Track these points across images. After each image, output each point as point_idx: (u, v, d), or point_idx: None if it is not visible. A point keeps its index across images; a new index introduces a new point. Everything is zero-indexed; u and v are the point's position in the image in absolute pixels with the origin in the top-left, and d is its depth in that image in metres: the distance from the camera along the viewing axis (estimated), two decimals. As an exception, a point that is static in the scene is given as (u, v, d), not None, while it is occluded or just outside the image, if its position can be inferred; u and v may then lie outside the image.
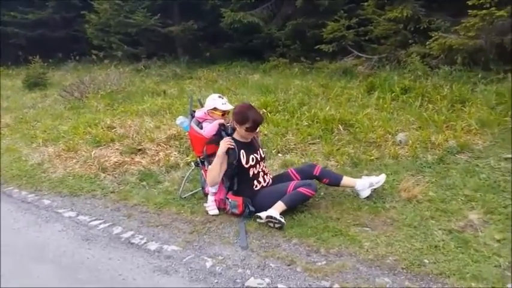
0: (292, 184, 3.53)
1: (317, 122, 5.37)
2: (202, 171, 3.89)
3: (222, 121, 3.73)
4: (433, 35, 6.70)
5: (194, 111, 3.96)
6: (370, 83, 6.61)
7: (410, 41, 7.34)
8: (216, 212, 3.70)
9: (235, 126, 3.58)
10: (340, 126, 5.23)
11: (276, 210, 3.40)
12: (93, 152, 5.23)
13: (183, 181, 4.17)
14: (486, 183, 3.77)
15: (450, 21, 6.83)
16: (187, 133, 4.09)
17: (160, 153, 5.06)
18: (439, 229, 3.17)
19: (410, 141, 4.74)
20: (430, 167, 4.24)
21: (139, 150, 5.20)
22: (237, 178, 3.63)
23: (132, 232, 3.54)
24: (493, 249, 2.88)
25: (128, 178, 4.67)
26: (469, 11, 5.88)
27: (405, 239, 3.10)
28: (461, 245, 2.96)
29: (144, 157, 5.06)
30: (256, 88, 7.54)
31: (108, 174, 4.80)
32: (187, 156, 4.97)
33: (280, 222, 3.32)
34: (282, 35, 9.44)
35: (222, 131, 3.67)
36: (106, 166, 4.91)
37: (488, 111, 5.12)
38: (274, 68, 9.35)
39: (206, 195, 3.85)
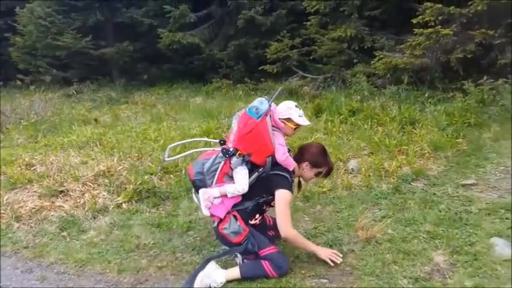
0: (265, 250, 2.93)
1: (264, 151, 4.92)
2: (222, 165, 3.00)
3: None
4: (377, 54, 6.57)
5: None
6: (317, 105, 6.31)
7: (355, 60, 7.24)
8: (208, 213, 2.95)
9: (304, 166, 3.07)
10: (288, 154, 4.83)
11: (226, 275, 2.88)
12: (6, 197, 4.45)
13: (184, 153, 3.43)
14: (447, 215, 3.48)
15: (394, 40, 6.77)
16: (241, 115, 2.99)
17: (86, 195, 4.38)
18: (404, 277, 2.79)
19: (363, 169, 4.43)
20: (385, 197, 3.93)
21: (62, 192, 4.47)
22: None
23: (42, 304, 2.89)
24: (467, 302, 2.53)
25: (46, 227, 3.96)
26: (415, 29, 5.77)
27: (368, 292, 2.69)
28: (431, 297, 2.60)
29: (66, 200, 4.36)
30: (198, 113, 7.03)
31: (23, 224, 4.05)
32: (119, 196, 4.34)
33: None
34: (225, 55, 9.09)
35: None
36: (21, 214, 4.16)
37: (439, 133, 4.96)
38: (217, 89, 8.91)
39: None
